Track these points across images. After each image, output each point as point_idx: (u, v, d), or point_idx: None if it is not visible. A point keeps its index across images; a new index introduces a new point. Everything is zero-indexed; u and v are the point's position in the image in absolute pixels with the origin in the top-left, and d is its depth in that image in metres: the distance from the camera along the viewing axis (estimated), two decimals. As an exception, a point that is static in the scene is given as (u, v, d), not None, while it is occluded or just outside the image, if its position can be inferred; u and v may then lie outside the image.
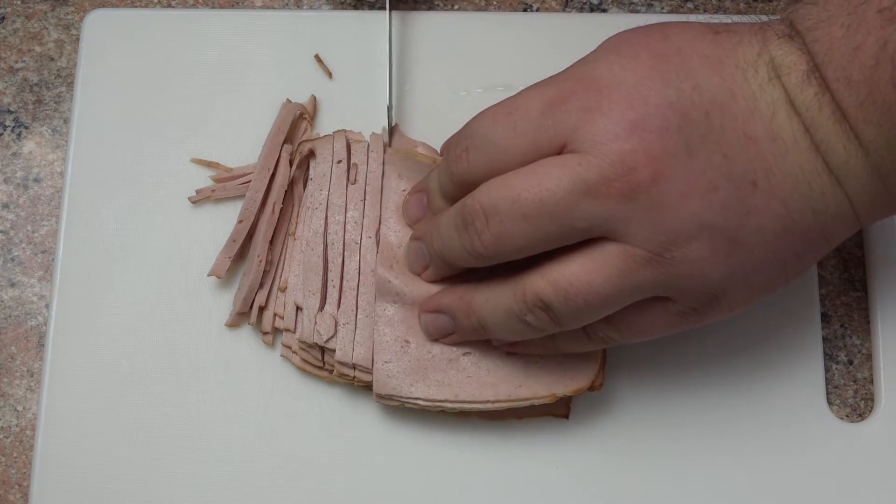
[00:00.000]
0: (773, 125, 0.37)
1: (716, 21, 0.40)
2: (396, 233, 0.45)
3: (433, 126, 0.50)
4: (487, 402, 0.43)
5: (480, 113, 0.40)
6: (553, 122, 0.37)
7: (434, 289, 0.44)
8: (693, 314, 0.39)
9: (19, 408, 0.48)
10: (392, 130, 0.49)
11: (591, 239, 0.37)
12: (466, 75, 0.51)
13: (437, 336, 0.44)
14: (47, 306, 0.49)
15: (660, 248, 0.36)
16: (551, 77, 0.40)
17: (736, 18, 0.41)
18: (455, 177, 0.40)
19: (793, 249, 0.38)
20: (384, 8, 0.52)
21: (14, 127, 0.52)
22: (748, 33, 0.38)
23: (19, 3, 0.53)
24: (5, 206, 0.51)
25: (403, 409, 0.46)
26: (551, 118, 0.37)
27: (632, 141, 0.36)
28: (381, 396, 0.44)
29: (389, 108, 0.48)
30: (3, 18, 0.53)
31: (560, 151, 0.37)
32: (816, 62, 0.36)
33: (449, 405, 0.44)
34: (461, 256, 0.40)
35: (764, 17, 0.39)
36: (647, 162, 0.35)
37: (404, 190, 0.46)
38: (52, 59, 0.53)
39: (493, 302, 0.40)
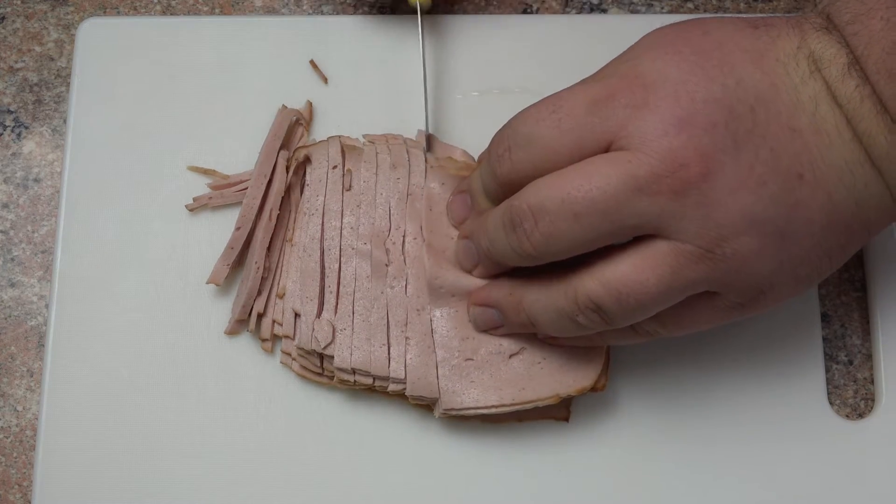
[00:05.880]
0: (817, 118, 0.37)
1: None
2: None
3: (430, 129, 0.50)
4: (492, 406, 0.43)
5: (521, 112, 0.40)
6: (600, 120, 0.37)
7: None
8: (739, 308, 0.39)
9: (19, 408, 0.48)
10: (429, 138, 0.48)
11: (639, 237, 0.37)
12: (464, 78, 0.51)
13: (485, 329, 0.44)
14: (47, 306, 0.48)
15: (710, 244, 0.36)
16: (593, 75, 0.40)
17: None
18: (499, 177, 0.40)
19: (837, 240, 0.38)
20: (384, 11, 0.52)
21: (14, 127, 0.52)
22: (786, 27, 0.38)
23: (19, 3, 0.53)
24: (5, 206, 0.51)
25: (403, 413, 0.46)
26: (597, 115, 0.37)
27: (681, 137, 0.36)
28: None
29: (426, 116, 0.48)
30: (3, 18, 0.53)
31: (606, 149, 0.37)
32: (856, 55, 0.36)
33: (454, 412, 0.44)
34: (510, 256, 0.40)
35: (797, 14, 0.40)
36: (697, 158, 0.35)
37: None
38: (52, 59, 0.53)
39: (543, 301, 0.40)
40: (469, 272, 0.44)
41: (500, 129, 0.40)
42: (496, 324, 0.43)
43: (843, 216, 0.37)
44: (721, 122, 0.36)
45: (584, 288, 0.38)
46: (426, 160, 0.47)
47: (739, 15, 0.53)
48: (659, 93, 0.36)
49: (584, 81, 0.39)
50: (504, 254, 0.40)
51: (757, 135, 0.36)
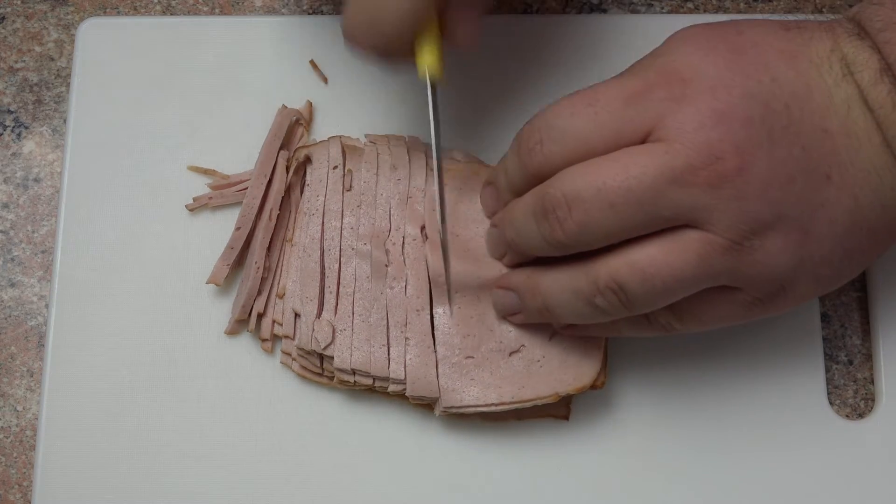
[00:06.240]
0: (848, 121, 0.37)
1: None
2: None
3: (427, 129, 0.50)
4: (491, 404, 0.43)
5: (552, 105, 0.40)
6: (637, 112, 0.37)
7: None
8: (758, 304, 0.39)
9: (19, 408, 0.48)
10: (443, 243, 0.44)
11: (669, 227, 0.37)
12: (465, 78, 0.50)
13: (505, 313, 0.44)
14: (47, 306, 0.48)
15: (740, 236, 0.36)
16: (627, 70, 0.40)
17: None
18: (529, 169, 0.40)
19: (860, 244, 0.38)
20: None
21: (14, 127, 0.52)
22: (819, 30, 0.39)
23: (19, 3, 0.53)
24: (5, 206, 0.51)
25: (403, 413, 0.46)
26: (635, 108, 0.37)
27: (718, 130, 0.36)
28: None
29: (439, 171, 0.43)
30: (3, 18, 0.53)
31: (642, 141, 0.37)
32: (889, 62, 0.37)
33: (454, 410, 0.44)
34: (538, 245, 0.40)
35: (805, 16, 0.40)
36: (733, 151, 0.36)
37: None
38: (52, 59, 0.53)
39: (560, 283, 0.40)
40: (499, 260, 0.44)
41: (529, 123, 0.40)
42: (515, 308, 0.43)
43: (868, 219, 0.38)
44: (757, 118, 0.36)
45: (607, 268, 0.38)
46: (427, 162, 0.47)
47: (741, 15, 0.53)
48: (696, 87, 0.37)
49: (617, 77, 0.39)
50: (531, 242, 0.40)
51: (791, 132, 0.37)
